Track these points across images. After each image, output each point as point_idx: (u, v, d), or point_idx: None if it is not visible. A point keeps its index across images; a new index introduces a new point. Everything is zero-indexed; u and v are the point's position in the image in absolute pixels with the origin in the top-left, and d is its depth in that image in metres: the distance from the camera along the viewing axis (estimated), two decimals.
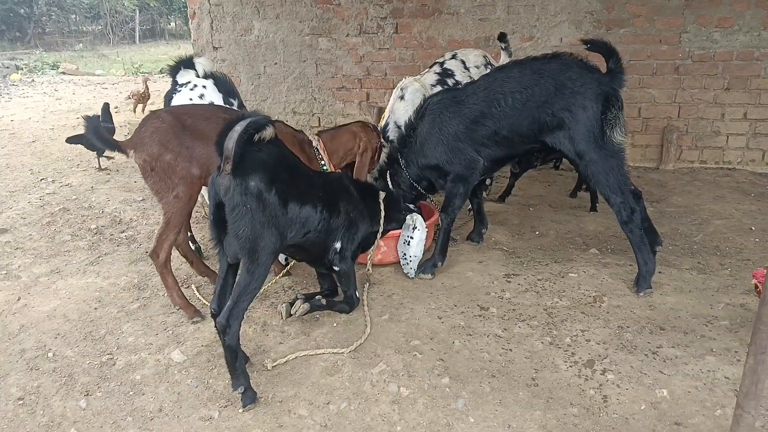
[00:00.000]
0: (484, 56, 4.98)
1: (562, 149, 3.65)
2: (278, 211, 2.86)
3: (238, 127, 2.65)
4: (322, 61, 6.61)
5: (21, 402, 2.94)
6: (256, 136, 2.74)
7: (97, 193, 5.81)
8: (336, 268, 3.45)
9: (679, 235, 4.49)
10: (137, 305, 3.81)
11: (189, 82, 4.29)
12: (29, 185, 6.01)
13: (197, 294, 3.82)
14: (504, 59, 5.05)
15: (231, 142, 2.64)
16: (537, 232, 4.63)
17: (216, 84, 4.37)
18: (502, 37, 5.11)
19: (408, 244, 3.90)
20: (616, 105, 3.47)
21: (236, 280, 2.93)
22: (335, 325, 3.46)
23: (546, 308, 3.50)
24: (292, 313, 3.43)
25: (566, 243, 4.42)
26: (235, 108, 4.32)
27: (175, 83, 4.38)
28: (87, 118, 3.45)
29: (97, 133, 3.44)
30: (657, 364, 2.96)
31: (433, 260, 3.98)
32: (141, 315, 3.68)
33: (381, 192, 3.75)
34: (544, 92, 3.57)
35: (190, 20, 6.90)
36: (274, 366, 3.08)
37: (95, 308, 3.80)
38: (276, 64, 6.72)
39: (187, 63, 4.37)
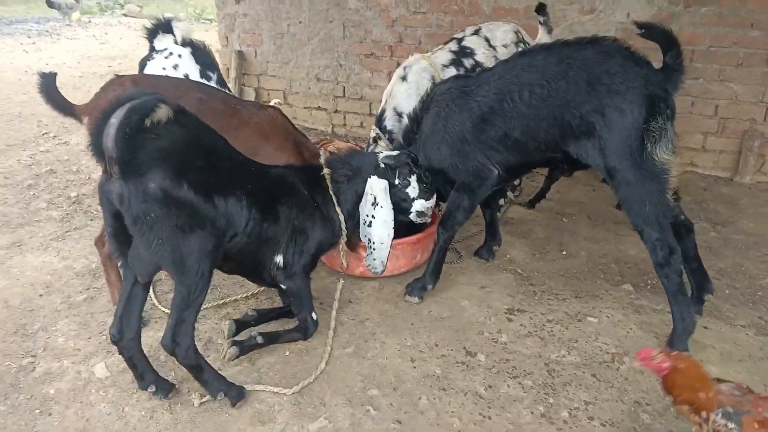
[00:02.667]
0: (516, 32, 4.09)
1: (590, 162, 2.84)
2: (201, 208, 2.29)
3: (114, 119, 2.04)
4: (351, 23, 5.87)
5: None
6: (147, 121, 2.13)
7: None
8: (283, 287, 2.84)
9: (741, 274, 3.62)
10: (83, 297, 3.37)
11: (165, 49, 3.76)
12: (29, 140, 5.70)
13: (154, 300, 3.31)
14: (542, 37, 4.13)
15: (109, 139, 2.05)
16: (564, 252, 3.86)
17: (194, 54, 3.81)
18: (541, 9, 4.15)
19: (369, 226, 2.97)
20: (666, 113, 2.67)
21: (173, 295, 2.43)
22: (287, 353, 2.89)
23: (548, 363, 2.80)
24: (222, 357, 2.82)
25: (597, 271, 3.64)
26: (212, 84, 3.73)
27: (151, 48, 3.88)
28: (42, 75, 3.08)
29: (49, 94, 3.08)
30: None
31: (423, 281, 3.30)
32: (83, 310, 3.25)
33: (322, 168, 2.93)
34: (572, 87, 2.76)
35: None
36: (202, 403, 2.56)
37: (40, 295, 3.40)
38: (300, 23, 6.05)
39: (166, 27, 3.85)
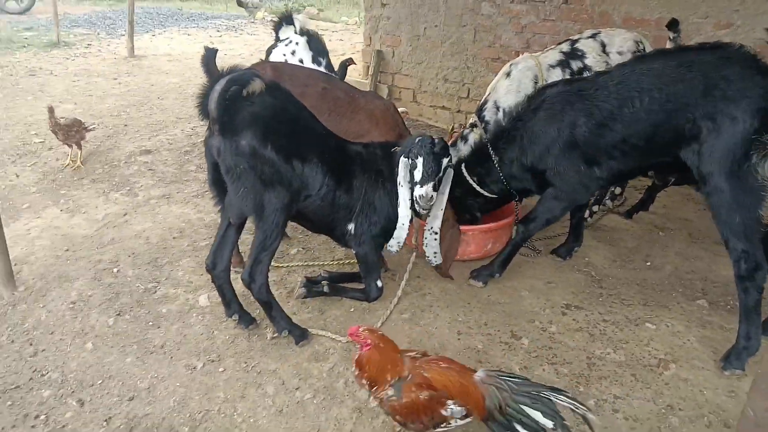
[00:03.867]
0: (638, 42, 3.99)
1: (691, 166, 2.82)
2: (281, 167, 2.71)
3: (218, 86, 2.53)
4: (482, 28, 6.10)
5: (72, 306, 3.32)
6: (244, 92, 2.59)
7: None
8: (353, 251, 3.20)
9: None
10: (205, 243, 4.02)
11: (287, 38, 4.40)
12: (195, 114, 6.63)
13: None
14: None
15: (212, 102, 2.54)
16: (648, 264, 3.81)
17: (308, 42, 4.45)
18: (673, 25, 4.05)
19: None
20: None
21: (253, 238, 2.89)
22: (352, 309, 3.26)
23: (590, 357, 2.88)
24: (294, 298, 3.26)
25: (677, 285, 3.55)
26: (322, 68, 4.28)
27: (277, 38, 4.52)
28: (206, 49, 3.70)
29: (208, 65, 3.67)
30: None
31: (491, 269, 3.48)
32: (203, 253, 3.88)
33: (395, 145, 3.08)
34: (688, 91, 2.76)
35: None
36: (273, 338, 3.02)
37: (174, 237, 4.11)
38: (436, 26, 6.39)
39: (289, 19, 4.50)
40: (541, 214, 3.32)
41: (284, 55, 4.29)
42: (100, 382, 2.74)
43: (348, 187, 3.01)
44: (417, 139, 2.95)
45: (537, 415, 1.97)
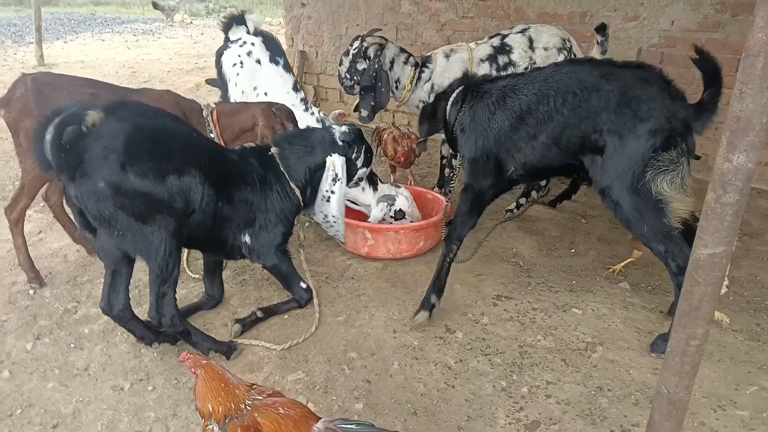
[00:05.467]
0: (565, 39, 4.18)
1: (592, 177, 2.87)
2: (154, 193, 2.46)
3: (48, 135, 2.27)
4: (403, 26, 6.17)
5: None
6: (83, 128, 2.34)
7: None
8: (262, 266, 3.09)
9: (753, 284, 3.56)
10: None
11: (239, 39, 4.26)
12: None
13: (188, 271, 3.70)
14: (595, 54, 4.13)
15: (48, 153, 2.29)
16: (573, 251, 3.95)
17: (264, 42, 4.29)
18: (601, 29, 4.12)
19: (328, 201, 3.14)
20: (680, 148, 2.66)
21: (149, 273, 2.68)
22: (285, 317, 3.22)
23: (522, 345, 2.96)
24: (230, 336, 3.05)
25: (600, 269, 3.70)
26: (280, 68, 4.18)
27: (227, 39, 4.37)
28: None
29: None
30: None
31: (426, 298, 3.15)
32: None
33: (272, 147, 3.04)
34: (603, 103, 2.75)
35: None
36: None
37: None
38: (357, 25, 6.41)
39: (239, 20, 4.34)
40: (456, 216, 3.20)
41: (239, 56, 4.15)
42: (19, 411, 2.58)
43: (230, 195, 2.82)
44: (345, 131, 3.06)
45: None
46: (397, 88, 4.37)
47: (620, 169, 2.73)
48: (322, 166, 3.09)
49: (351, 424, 1.95)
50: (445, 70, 4.25)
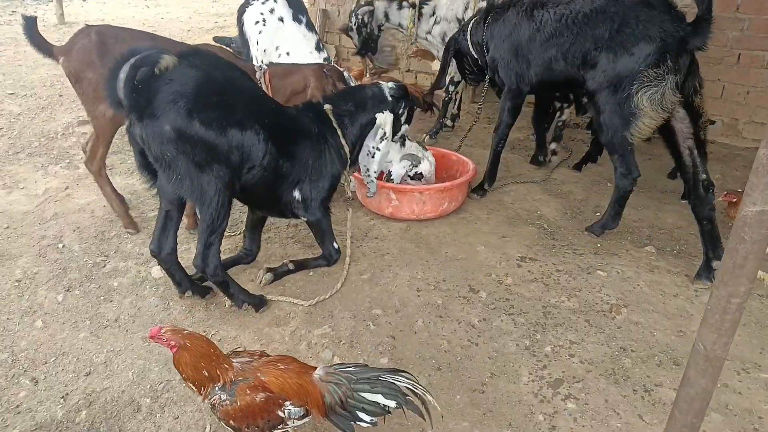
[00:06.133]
0: None
1: (586, 85, 3.35)
2: (216, 143, 2.52)
3: (122, 74, 2.31)
4: None
5: (17, 284, 3.18)
6: (156, 70, 2.37)
7: None
8: (304, 220, 3.14)
9: None
10: (154, 213, 3.90)
11: None
12: None
13: None
14: None
15: (121, 91, 2.34)
16: (598, 214, 3.91)
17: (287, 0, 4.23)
18: None
19: (372, 157, 3.30)
20: (667, 67, 3.01)
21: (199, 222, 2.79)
22: (311, 274, 3.25)
23: (545, 306, 2.96)
24: (258, 283, 3.14)
25: (625, 233, 3.68)
26: (302, 26, 4.14)
27: None
28: (25, 18, 3.38)
29: (31, 36, 3.38)
30: (642, 406, 2.36)
31: (482, 184, 4.07)
32: (152, 224, 3.75)
33: (325, 105, 3.11)
34: (606, 24, 3.20)
35: None
36: (232, 305, 2.98)
37: None
38: None
39: None
40: (500, 113, 3.96)
41: (261, 14, 4.11)
42: (53, 359, 2.65)
43: (291, 153, 2.91)
44: (393, 86, 3.23)
45: (378, 398, 1.93)
46: (404, 30, 5.14)
47: (610, 78, 3.17)
48: (372, 123, 3.19)
49: (349, 367, 2.02)
50: (450, 2, 4.84)
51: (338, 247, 3.26)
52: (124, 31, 3.52)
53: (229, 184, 2.66)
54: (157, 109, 2.40)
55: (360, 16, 5.06)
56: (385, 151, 3.28)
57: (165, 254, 2.90)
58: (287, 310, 2.95)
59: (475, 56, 4.08)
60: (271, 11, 4.22)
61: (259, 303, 2.94)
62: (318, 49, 4.26)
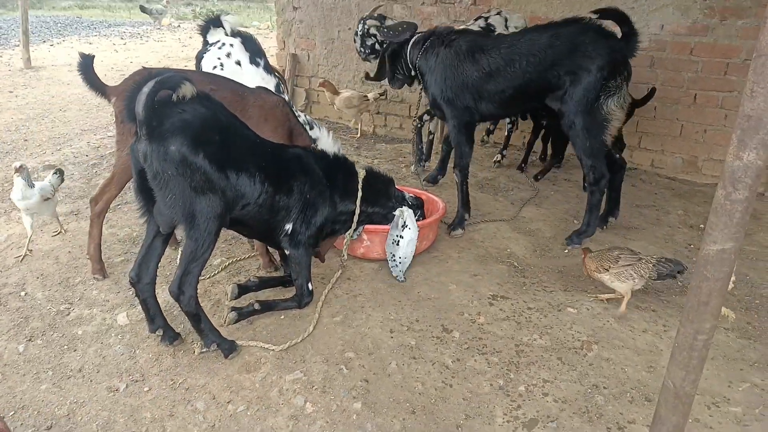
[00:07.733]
0: (524, 20, 5.22)
1: (554, 108, 3.78)
2: (213, 177, 2.62)
3: (146, 88, 2.42)
4: None
5: None
6: (174, 96, 2.51)
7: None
8: (287, 252, 3.17)
9: (743, 283, 3.62)
10: (120, 259, 3.83)
11: (218, 41, 4.22)
12: (101, 126, 6.40)
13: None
14: None
15: (140, 104, 2.43)
16: (566, 251, 3.98)
17: (243, 43, 4.25)
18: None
19: (397, 245, 3.50)
20: (623, 74, 3.63)
21: (182, 247, 2.81)
22: (282, 317, 3.20)
23: (518, 344, 2.97)
24: (223, 322, 3.12)
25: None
26: (260, 69, 4.15)
27: (205, 42, 4.32)
28: (82, 56, 3.45)
29: (87, 74, 3.46)
30: None
31: (459, 215, 4.17)
32: (117, 269, 3.70)
33: (361, 170, 3.40)
34: (557, 53, 3.63)
35: None
36: (201, 353, 2.91)
37: (86, 255, 3.86)
38: (349, 29, 6.41)
39: (216, 22, 4.30)
40: (456, 149, 4.19)
41: (218, 58, 4.11)
42: (11, 413, 2.54)
43: (287, 189, 3.00)
44: (413, 197, 3.82)
45: None
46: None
47: (578, 97, 3.63)
48: (380, 213, 3.57)
49: None
50: None
51: (312, 288, 3.23)
52: (182, 73, 3.55)
53: (220, 216, 2.71)
54: (167, 131, 2.50)
55: (368, 27, 5.01)
56: (410, 239, 3.49)
57: (144, 284, 2.88)
58: (258, 356, 2.90)
59: (410, 65, 4.37)
60: (228, 55, 4.22)
61: (229, 348, 2.88)
62: (277, 90, 4.28)
